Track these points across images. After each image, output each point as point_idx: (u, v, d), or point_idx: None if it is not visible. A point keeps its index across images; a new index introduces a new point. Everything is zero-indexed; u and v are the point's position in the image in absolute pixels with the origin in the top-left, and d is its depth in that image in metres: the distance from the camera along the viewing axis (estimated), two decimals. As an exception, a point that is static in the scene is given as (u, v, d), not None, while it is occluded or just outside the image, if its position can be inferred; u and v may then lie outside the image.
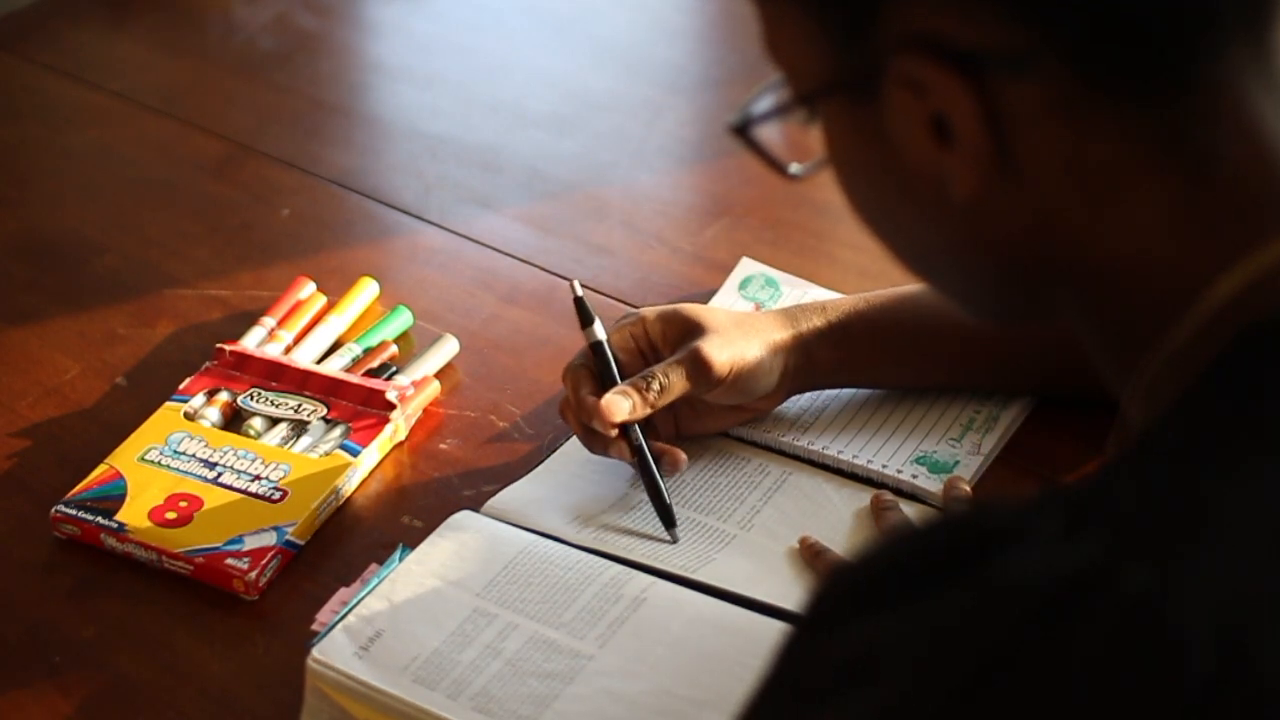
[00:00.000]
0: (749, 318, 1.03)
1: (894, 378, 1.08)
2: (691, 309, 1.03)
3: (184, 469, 1.04)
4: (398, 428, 1.08)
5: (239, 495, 1.02)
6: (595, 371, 1.01)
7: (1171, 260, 0.58)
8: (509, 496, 1.02)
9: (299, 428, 1.09)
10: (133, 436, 1.07)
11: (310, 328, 1.18)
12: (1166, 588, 0.49)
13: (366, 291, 1.21)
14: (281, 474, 1.04)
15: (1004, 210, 0.60)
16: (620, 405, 0.97)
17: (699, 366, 0.99)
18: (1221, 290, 0.57)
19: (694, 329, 1.01)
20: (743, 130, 0.64)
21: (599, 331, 1.02)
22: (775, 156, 0.65)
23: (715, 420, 1.05)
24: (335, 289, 1.21)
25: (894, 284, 1.19)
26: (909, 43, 0.57)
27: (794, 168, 0.65)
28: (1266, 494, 0.52)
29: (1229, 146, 0.57)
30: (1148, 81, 0.56)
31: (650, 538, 0.99)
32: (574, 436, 1.07)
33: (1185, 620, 0.48)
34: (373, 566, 0.97)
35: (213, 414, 1.09)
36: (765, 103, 0.64)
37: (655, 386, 0.98)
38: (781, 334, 1.03)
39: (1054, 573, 0.49)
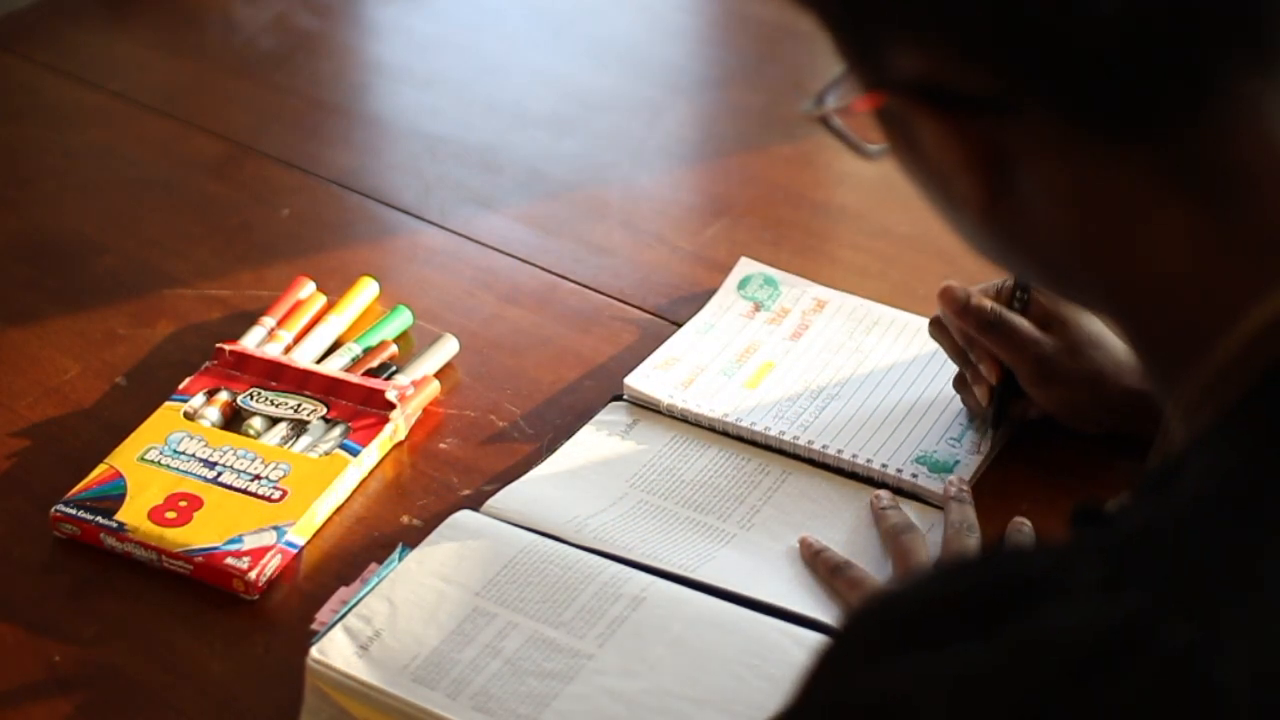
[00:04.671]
0: None
1: None
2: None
3: (184, 469, 1.04)
4: (397, 427, 1.08)
5: (239, 495, 1.02)
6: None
7: (1202, 286, 0.57)
8: (509, 496, 1.02)
9: (299, 427, 1.09)
10: (132, 436, 1.07)
11: (310, 327, 1.18)
12: (1208, 645, 0.48)
13: (366, 291, 1.21)
14: (281, 473, 1.04)
15: (1024, 229, 0.60)
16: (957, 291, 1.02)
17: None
18: (1255, 318, 0.56)
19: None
20: (824, 117, 0.64)
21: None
22: (854, 139, 0.65)
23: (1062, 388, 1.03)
24: (335, 289, 1.21)
25: (893, 285, 1.19)
26: (898, 79, 0.58)
27: (872, 148, 0.65)
28: None
29: (1258, 175, 0.56)
30: (1134, 118, 0.55)
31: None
32: (574, 436, 1.07)
33: (1227, 678, 0.47)
34: (373, 566, 0.97)
35: (212, 414, 1.09)
36: (834, 94, 0.64)
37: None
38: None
39: (1093, 627, 0.49)
